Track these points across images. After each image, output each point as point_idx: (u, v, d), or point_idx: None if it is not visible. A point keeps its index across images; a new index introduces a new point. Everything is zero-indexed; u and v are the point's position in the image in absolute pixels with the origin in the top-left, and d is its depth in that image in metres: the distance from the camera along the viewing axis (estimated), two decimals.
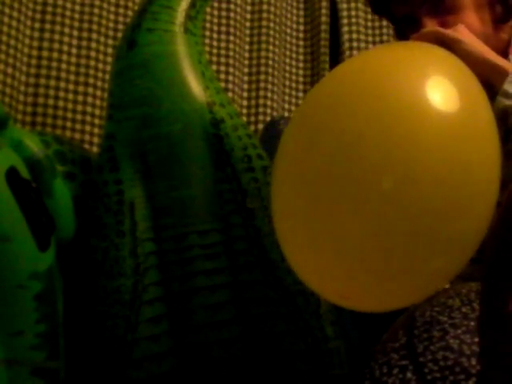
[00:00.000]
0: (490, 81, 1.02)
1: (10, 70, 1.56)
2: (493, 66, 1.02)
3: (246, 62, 1.86)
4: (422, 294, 0.84)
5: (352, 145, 0.86)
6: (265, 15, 1.88)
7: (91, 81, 1.66)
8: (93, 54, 1.68)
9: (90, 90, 1.65)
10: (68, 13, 1.68)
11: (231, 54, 1.83)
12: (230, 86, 1.80)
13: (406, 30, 1.19)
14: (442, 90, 0.89)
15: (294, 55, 1.93)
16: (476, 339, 0.64)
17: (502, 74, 1.00)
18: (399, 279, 0.86)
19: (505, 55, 1.16)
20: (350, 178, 0.86)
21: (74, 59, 1.66)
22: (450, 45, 1.04)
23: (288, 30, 1.94)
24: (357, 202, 0.85)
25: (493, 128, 0.91)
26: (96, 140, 1.62)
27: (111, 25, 1.72)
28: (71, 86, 1.64)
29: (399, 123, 0.86)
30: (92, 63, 1.67)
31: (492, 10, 1.17)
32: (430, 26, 1.13)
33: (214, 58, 1.81)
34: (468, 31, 1.06)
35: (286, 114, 1.85)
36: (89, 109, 1.64)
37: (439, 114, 0.87)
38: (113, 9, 1.74)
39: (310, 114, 0.95)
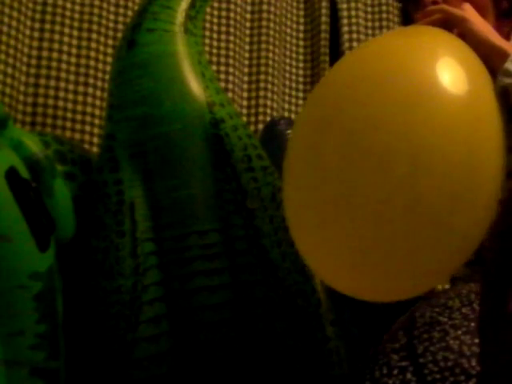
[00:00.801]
0: (491, 61, 1.02)
1: (9, 70, 1.56)
2: (495, 47, 1.02)
3: (246, 62, 1.86)
4: (427, 283, 0.84)
5: (365, 131, 0.87)
6: (265, 15, 1.88)
7: (91, 81, 1.66)
8: (93, 54, 1.67)
9: (90, 90, 1.65)
10: (68, 13, 1.67)
11: (231, 53, 1.83)
12: (230, 86, 1.80)
13: (408, 5, 1.19)
14: (451, 74, 0.91)
15: (294, 55, 1.93)
16: (476, 340, 0.64)
17: (504, 56, 1.00)
18: (410, 265, 0.87)
19: None
20: (363, 165, 0.87)
21: (73, 59, 1.66)
22: (456, 23, 1.05)
23: (288, 30, 1.94)
24: (370, 187, 0.86)
25: (497, 110, 0.92)
26: (96, 140, 1.62)
27: (111, 25, 1.72)
28: (71, 86, 1.64)
29: (411, 106, 0.87)
30: (92, 63, 1.67)
31: (498, 3, 1.17)
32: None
33: (214, 58, 1.81)
34: (473, 10, 1.07)
35: (286, 114, 1.85)
36: (89, 109, 1.64)
37: (449, 98, 0.88)
38: (113, 9, 1.74)
39: (323, 101, 0.96)
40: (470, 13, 1.06)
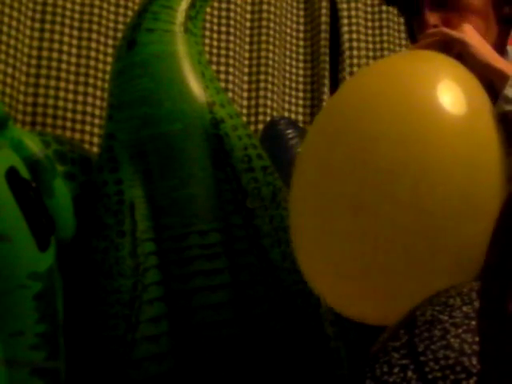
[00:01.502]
0: (492, 84, 1.03)
1: (10, 70, 1.56)
2: (495, 69, 1.02)
3: (246, 62, 1.86)
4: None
5: (369, 149, 0.90)
6: (265, 15, 1.88)
7: (91, 81, 1.66)
8: (93, 53, 1.67)
9: (90, 90, 1.65)
10: (68, 13, 1.67)
11: (231, 53, 1.83)
12: (230, 85, 1.80)
13: (412, 23, 1.19)
14: (451, 96, 0.94)
15: (294, 55, 1.93)
16: (477, 338, 0.64)
17: (503, 78, 1.01)
18: (413, 280, 0.88)
19: (503, 48, 1.17)
20: (367, 182, 0.90)
21: (73, 59, 1.66)
22: (456, 45, 1.05)
23: (288, 30, 1.94)
24: (374, 204, 0.88)
25: (496, 129, 0.95)
26: (96, 140, 1.62)
27: (111, 25, 1.72)
28: (71, 86, 1.64)
29: (414, 127, 0.91)
30: (92, 63, 1.67)
31: (499, 10, 1.17)
32: (433, 20, 1.13)
33: (214, 58, 1.81)
34: (474, 31, 1.07)
35: (286, 114, 1.85)
36: (89, 109, 1.64)
37: (450, 118, 0.92)
38: (113, 9, 1.74)
39: (331, 119, 1.00)
40: (469, 34, 1.06)
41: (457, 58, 1.03)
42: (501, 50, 1.16)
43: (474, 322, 0.65)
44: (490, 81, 1.03)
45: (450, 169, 0.88)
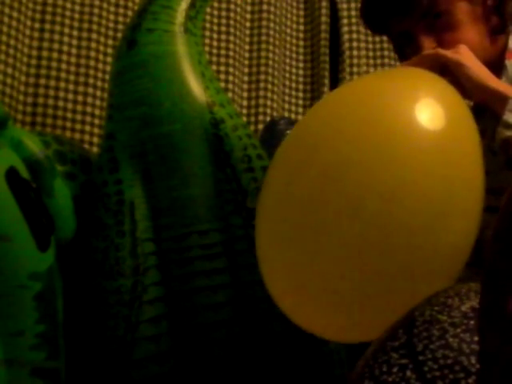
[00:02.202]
0: (490, 106, 1.02)
1: (9, 70, 1.56)
2: (493, 91, 1.02)
3: (246, 62, 1.86)
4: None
5: (339, 170, 0.89)
6: (265, 15, 1.88)
7: (91, 81, 1.66)
8: (93, 54, 1.68)
9: (90, 90, 1.65)
10: (68, 13, 1.67)
11: (231, 54, 1.83)
12: (230, 86, 1.80)
13: (404, 47, 1.18)
14: (429, 113, 0.93)
15: (294, 55, 1.93)
16: (475, 338, 0.64)
17: (503, 100, 1.00)
18: (386, 300, 0.87)
19: (501, 62, 1.16)
20: (336, 201, 0.88)
21: (73, 59, 1.66)
22: (451, 67, 1.04)
23: (288, 30, 1.94)
24: (343, 223, 0.87)
25: (477, 149, 0.94)
26: (96, 140, 1.62)
27: (111, 25, 1.72)
28: (71, 86, 1.64)
29: (388, 145, 0.89)
30: (92, 63, 1.67)
31: (488, 21, 1.16)
32: (427, 43, 1.13)
33: (214, 58, 1.81)
34: (469, 52, 1.06)
35: (286, 114, 1.85)
36: (89, 109, 1.64)
37: (426, 136, 0.90)
38: (113, 9, 1.74)
39: (302, 137, 0.99)
40: (465, 56, 1.05)
41: (453, 79, 1.03)
42: (498, 65, 1.14)
43: (472, 322, 0.65)
44: (488, 104, 1.03)
45: (421, 186, 0.86)
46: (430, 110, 0.93)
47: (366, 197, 0.86)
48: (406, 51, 1.17)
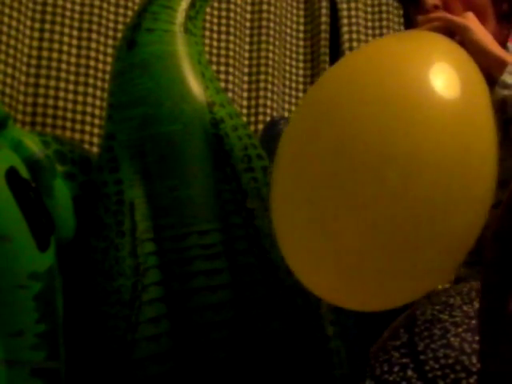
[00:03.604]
0: (490, 70, 1.03)
1: (9, 70, 1.56)
2: (495, 57, 1.03)
3: (246, 62, 1.86)
4: (421, 290, 0.84)
5: (355, 138, 0.86)
6: (265, 15, 1.88)
7: (91, 81, 1.66)
8: (93, 54, 1.68)
9: (90, 90, 1.65)
10: (68, 13, 1.68)
11: (231, 54, 1.83)
12: (230, 86, 1.80)
13: (409, 7, 1.19)
14: (444, 79, 0.90)
15: (294, 55, 1.93)
16: (477, 337, 0.64)
17: (503, 65, 1.01)
18: (401, 274, 0.86)
19: (503, 45, 1.17)
20: (353, 171, 0.85)
21: (73, 59, 1.66)
22: (458, 31, 1.05)
23: (288, 30, 1.94)
24: (359, 196, 0.85)
25: (491, 116, 0.92)
26: (96, 140, 1.62)
27: (111, 25, 1.72)
28: (71, 86, 1.64)
29: (402, 114, 0.86)
30: (92, 63, 1.67)
31: (498, 7, 1.17)
32: (431, 2, 1.13)
33: (214, 58, 1.81)
34: (477, 20, 1.07)
35: (286, 114, 1.85)
36: (89, 109, 1.64)
37: (441, 103, 0.87)
38: (113, 9, 1.74)
39: (313, 105, 0.95)
40: (471, 21, 1.06)
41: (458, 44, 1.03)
42: (501, 47, 1.16)
43: (473, 322, 0.65)
44: (490, 70, 1.03)
45: (440, 157, 0.84)
46: (446, 76, 0.91)
47: (382, 168, 0.84)
48: (411, 14, 1.18)
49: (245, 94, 1.83)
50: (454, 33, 1.06)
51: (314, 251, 0.90)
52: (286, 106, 1.87)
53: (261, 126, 1.76)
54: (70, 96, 1.63)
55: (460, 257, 0.86)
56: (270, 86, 1.83)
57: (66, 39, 1.66)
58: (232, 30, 1.84)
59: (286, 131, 0.98)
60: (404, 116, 0.86)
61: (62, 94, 1.62)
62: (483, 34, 1.05)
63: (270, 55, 1.85)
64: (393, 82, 0.89)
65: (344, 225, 0.86)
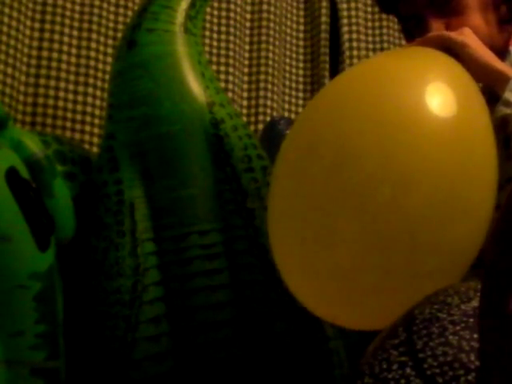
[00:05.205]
0: (492, 86, 1.03)
1: (9, 70, 1.56)
2: (496, 72, 1.02)
3: (246, 62, 1.86)
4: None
5: (350, 155, 0.87)
6: (265, 15, 1.88)
7: (91, 81, 1.66)
8: (93, 54, 1.68)
9: (90, 90, 1.65)
10: (68, 13, 1.68)
11: (231, 54, 1.83)
12: (230, 86, 1.80)
13: (413, 29, 1.19)
14: (440, 97, 0.91)
15: (294, 55, 1.93)
16: (475, 335, 0.64)
17: (504, 81, 1.00)
18: (397, 290, 0.87)
19: (505, 48, 1.17)
20: (348, 188, 0.87)
21: (73, 59, 1.66)
22: (456, 49, 1.05)
23: (288, 30, 1.94)
24: (355, 212, 0.86)
25: (489, 133, 0.92)
26: (96, 140, 1.62)
27: (111, 25, 1.73)
28: (71, 86, 1.64)
29: (397, 132, 0.87)
30: (92, 63, 1.67)
31: (497, 10, 1.17)
32: (436, 27, 1.13)
33: (214, 58, 1.81)
34: (474, 35, 1.07)
35: (286, 114, 1.85)
36: (89, 109, 1.64)
37: (437, 122, 0.89)
38: (113, 9, 1.74)
39: (310, 123, 0.97)
40: (469, 38, 1.06)
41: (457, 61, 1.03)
42: (502, 51, 1.16)
43: (472, 320, 0.65)
44: (492, 86, 1.03)
45: (433, 173, 0.85)
46: (442, 94, 0.91)
47: (374, 185, 0.85)
48: (415, 34, 1.18)
49: (245, 94, 1.83)
50: (452, 51, 1.05)
51: (311, 268, 0.91)
52: (286, 106, 1.87)
53: (261, 126, 1.76)
54: (70, 96, 1.63)
55: (461, 270, 0.87)
56: (270, 86, 1.83)
57: (65, 39, 1.66)
58: (232, 29, 1.84)
59: (282, 148, 0.99)
60: (400, 135, 0.87)
61: (61, 94, 1.62)
62: (482, 50, 1.05)
63: (270, 55, 1.85)
64: (389, 102, 0.90)
65: (341, 241, 0.88)
